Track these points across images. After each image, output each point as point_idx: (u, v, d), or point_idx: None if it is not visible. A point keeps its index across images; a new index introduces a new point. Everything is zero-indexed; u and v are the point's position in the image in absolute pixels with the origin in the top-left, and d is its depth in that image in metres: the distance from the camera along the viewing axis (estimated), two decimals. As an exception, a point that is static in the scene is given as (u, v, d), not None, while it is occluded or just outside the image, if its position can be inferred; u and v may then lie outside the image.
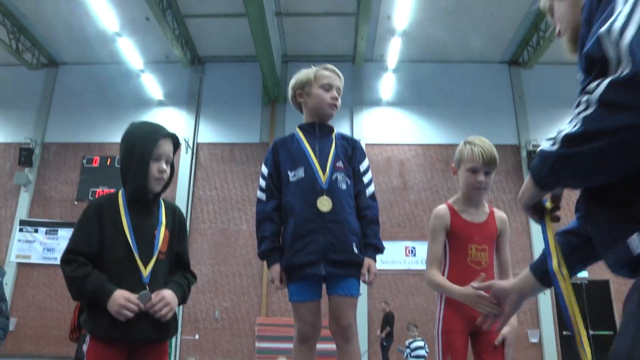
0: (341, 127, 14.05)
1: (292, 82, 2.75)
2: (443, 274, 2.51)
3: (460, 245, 2.49)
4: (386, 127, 14.75)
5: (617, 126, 0.86)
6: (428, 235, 2.59)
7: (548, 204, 1.36)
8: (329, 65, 2.73)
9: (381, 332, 11.64)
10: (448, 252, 2.53)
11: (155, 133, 2.14)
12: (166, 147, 2.16)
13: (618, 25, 0.90)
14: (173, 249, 2.20)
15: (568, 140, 0.94)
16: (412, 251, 13.54)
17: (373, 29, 13.77)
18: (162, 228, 2.16)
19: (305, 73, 2.70)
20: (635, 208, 0.93)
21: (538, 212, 1.32)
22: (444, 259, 2.56)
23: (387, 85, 14.71)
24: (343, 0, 12.85)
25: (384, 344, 11.46)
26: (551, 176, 1.04)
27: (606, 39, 0.91)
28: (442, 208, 2.60)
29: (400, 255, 13.43)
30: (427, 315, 12.79)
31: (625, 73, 0.86)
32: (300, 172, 2.55)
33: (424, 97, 14.74)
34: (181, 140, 2.34)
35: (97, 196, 13.86)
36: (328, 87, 2.65)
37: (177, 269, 2.22)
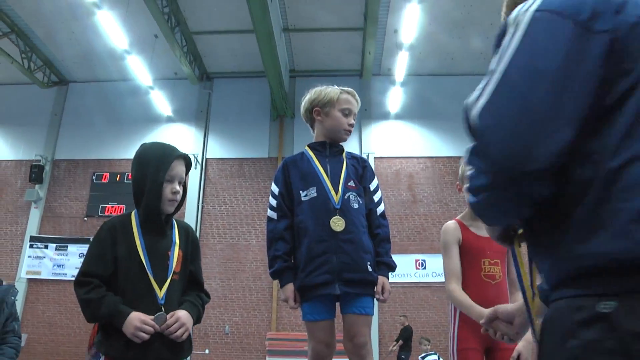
0: (350, 141, 13.97)
1: (311, 96, 2.74)
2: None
3: (473, 260, 2.49)
4: (395, 140, 14.76)
5: (482, 185, 0.97)
6: (442, 252, 2.58)
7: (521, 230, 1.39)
8: (350, 90, 2.74)
9: (395, 345, 11.53)
10: (461, 267, 2.52)
11: (168, 155, 2.14)
12: (179, 168, 2.17)
13: (475, 95, 0.99)
14: (187, 269, 2.21)
15: (469, 191, 1.04)
16: (422, 264, 13.45)
17: (380, 43, 13.84)
18: (176, 248, 2.16)
19: (326, 92, 2.70)
20: (534, 248, 1.03)
21: (508, 239, 1.35)
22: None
23: (394, 98, 14.73)
24: (350, 15, 12.94)
25: (402, 357, 11.33)
26: (479, 217, 1.12)
27: (468, 108, 1.02)
28: (451, 223, 2.60)
29: (410, 269, 13.35)
30: (438, 329, 12.68)
31: (475, 142, 0.97)
32: (313, 192, 2.56)
33: (432, 109, 14.73)
34: (191, 157, 2.34)
35: (106, 212, 13.95)
36: (347, 112, 2.67)
37: (190, 289, 2.22)
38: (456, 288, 2.42)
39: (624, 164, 0.85)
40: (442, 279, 2.60)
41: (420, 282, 13.30)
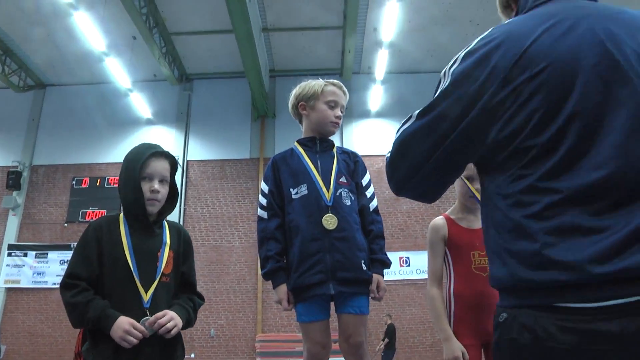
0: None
1: (296, 91, 2.67)
2: (449, 286, 2.47)
3: (462, 254, 2.46)
4: (376, 138, 14.74)
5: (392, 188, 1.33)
6: (427, 250, 2.55)
7: None
8: (336, 81, 2.66)
9: (382, 344, 11.55)
10: (451, 262, 2.49)
11: (143, 152, 2.06)
12: (157, 165, 2.08)
13: (402, 124, 1.28)
14: (178, 271, 2.12)
15: None
16: (406, 261, 13.48)
17: (360, 42, 13.84)
18: (166, 249, 2.08)
19: (311, 86, 2.62)
20: None
21: None
22: (449, 270, 2.51)
23: (375, 96, 14.75)
24: (329, 14, 12.90)
25: (382, 354, 11.37)
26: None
27: (398, 130, 1.30)
28: (439, 219, 2.56)
29: (394, 266, 13.34)
30: (423, 325, 12.72)
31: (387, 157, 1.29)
32: (303, 189, 2.49)
33: (412, 107, 13.86)
34: (174, 156, 2.27)
35: (87, 217, 13.69)
36: (333, 105, 2.59)
37: (183, 291, 2.14)
38: (436, 295, 2.41)
39: (506, 209, 1.06)
40: (426, 276, 2.59)
41: (404, 280, 13.32)
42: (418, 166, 1.19)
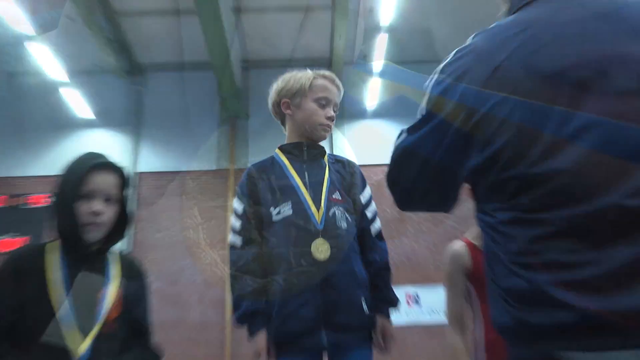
0: (319, 147, 14.09)
1: (279, 85, 2.67)
2: (476, 331, 2.44)
3: None
4: (374, 143, 14.76)
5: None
6: (445, 283, 2.53)
7: None
8: (327, 73, 2.68)
9: None
10: (477, 300, 2.46)
11: (83, 163, 2.05)
12: (100, 181, 2.06)
13: (400, 134, 1.55)
14: (128, 315, 2.07)
15: None
16: (415, 299, 13.40)
17: (353, 25, 13.94)
18: (112, 288, 2.03)
19: (297, 78, 2.62)
20: None
21: None
22: (473, 310, 2.48)
23: (372, 92, 14.82)
24: (315, -10, 13.04)
25: None
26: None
27: (396, 140, 1.57)
28: (458, 245, 2.57)
29: (401, 305, 13.28)
30: (440, 387, 12.64)
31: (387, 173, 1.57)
32: (287, 209, 2.45)
33: (417, 104, 14.83)
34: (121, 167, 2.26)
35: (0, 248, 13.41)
36: (325, 102, 2.61)
37: (134, 344, 2.08)
38: (457, 343, 2.42)
39: (492, 242, 1.19)
40: (442, 318, 2.58)
41: (415, 323, 13.22)
42: (415, 180, 1.45)
